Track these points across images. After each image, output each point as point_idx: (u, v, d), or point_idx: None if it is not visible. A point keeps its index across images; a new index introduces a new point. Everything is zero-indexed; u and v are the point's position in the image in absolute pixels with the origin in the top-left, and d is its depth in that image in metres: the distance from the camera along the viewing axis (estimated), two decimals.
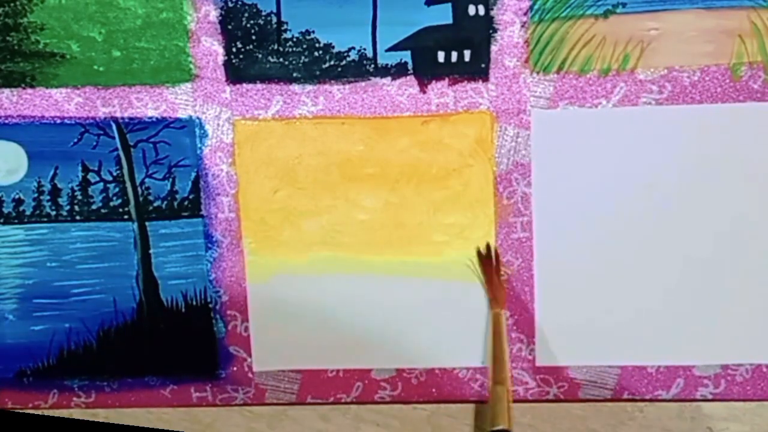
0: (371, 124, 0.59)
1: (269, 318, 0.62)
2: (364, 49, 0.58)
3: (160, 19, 0.59)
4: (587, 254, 0.60)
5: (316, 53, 0.58)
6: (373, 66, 0.58)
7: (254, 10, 0.58)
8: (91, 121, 0.61)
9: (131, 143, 0.61)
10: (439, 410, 0.63)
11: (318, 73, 0.59)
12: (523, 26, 0.57)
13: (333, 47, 0.58)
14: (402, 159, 0.60)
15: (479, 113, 0.59)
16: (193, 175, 0.61)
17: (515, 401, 0.62)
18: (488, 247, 0.60)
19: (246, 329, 0.63)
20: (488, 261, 0.60)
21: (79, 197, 0.62)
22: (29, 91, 0.60)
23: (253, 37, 0.59)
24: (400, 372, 0.63)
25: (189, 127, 0.60)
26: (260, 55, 0.59)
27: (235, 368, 0.63)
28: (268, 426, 0.64)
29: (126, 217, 0.62)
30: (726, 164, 0.58)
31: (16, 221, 0.62)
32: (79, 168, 0.61)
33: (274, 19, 0.58)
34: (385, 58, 0.58)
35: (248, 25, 0.58)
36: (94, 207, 0.62)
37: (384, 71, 0.58)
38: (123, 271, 0.62)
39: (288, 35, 0.58)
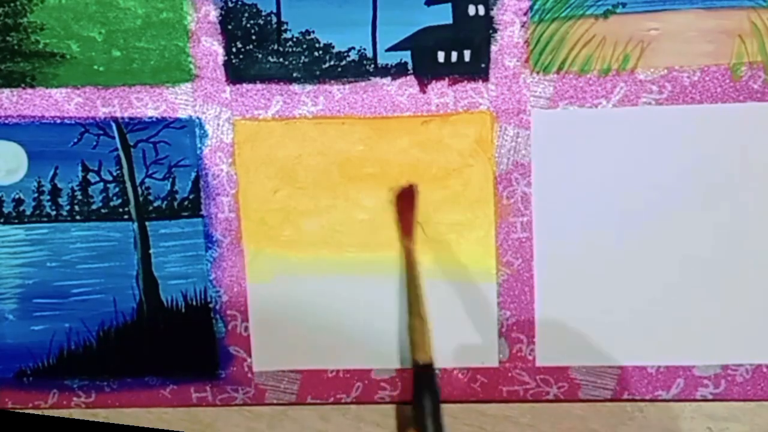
0: (371, 124, 0.59)
1: (269, 318, 0.62)
2: (364, 49, 0.58)
3: (160, 19, 0.59)
4: (587, 254, 0.60)
5: (316, 53, 0.58)
6: (373, 66, 0.58)
7: (254, 10, 0.58)
8: (91, 121, 0.61)
9: (131, 143, 0.61)
10: None
11: (318, 73, 0.59)
12: (523, 26, 0.57)
13: (333, 47, 0.58)
14: (402, 159, 0.60)
15: (479, 113, 0.59)
16: (193, 175, 0.61)
17: (515, 401, 0.62)
18: (408, 185, 0.59)
19: (246, 329, 0.63)
20: (407, 195, 0.59)
21: (79, 197, 0.62)
22: (29, 91, 0.60)
23: (253, 37, 0.59)
24: (400, 372, 0.63)
25: (189, 127, 0.60)
26: (260, 55, 0.59)
27: (235, 368, 0.63)
28: (268, 426, 0.64)
29: (126, 217, 0.62)
30: (726, 164, 0.58)
31: (16, 221, 0.62)
32: (79, 168, 0.61)
33: (274, 19, 0.58)
34: (385, 58, 0.58)
35: (248, 25, 0.58)
36: (94, 207, 0.62)
37: (384, 71, 0.58)
38: (123, 271, 0.62)
39: (288, 35, 0.58)
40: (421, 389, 0.56)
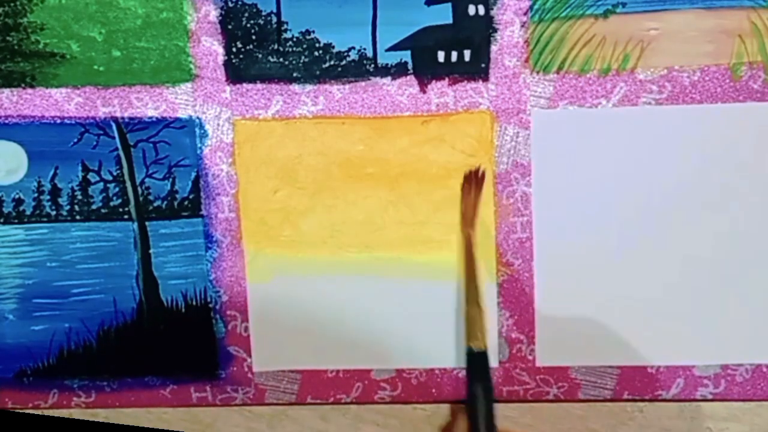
0: (371, 124, 0.59)
1: (269, 318, 0.62)
2: (364, 49, 0.58)
3: (160, 19, 0.59)
4: (587, 254, 0.60)
5: (316, 53, 0.58)
6: (373, 66, 0.58)
7: (254, 10, 0.58)
8: (91, 121, 0.61)
9: (131, 143, 0.61)
10: (439, 410, 0.63)
11: (318, 73, 0.59)
12: (523, 26, 0.57)
13: (333, 47, 0.58)
14: (402, 159, 0.60)
15: (479, 113, 0.59)
16: (193, 175, 0.61)
17: (515, 401, 0.62)
18: (478, 168, 0.59)
19: (246, 329, 0.63)
20: (474, 180, 0.59)
21: (79, 197, 0.62)
22: (29, 91, 0.60)
23: (253, 37, 0.59)
24: (400, 372, 0.63)
25: (189, 127, 0.60)
26: (260, 55, 0.59)
27: (235, 368, 0.63)
28: (268, 426, 0.64)
29: (126, 217, 0.62)
30: (726, 164, 0.58)
31: (16, 221, 0.62)
32: (79, 168, 0.61)
33: (274, 19, 0.58)
34: (385, 58, 0.58)
35: (248, 25, 0.58)
36: (94, 207, 0.62)
37: (384, 71, 0.58)
38: (123, 271, 0.62)
39: (288, 35, 0.58)
40: (474, 377, 0.56)
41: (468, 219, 0.59)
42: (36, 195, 0.62)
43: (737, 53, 0.56)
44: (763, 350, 0.60)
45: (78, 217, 0.62)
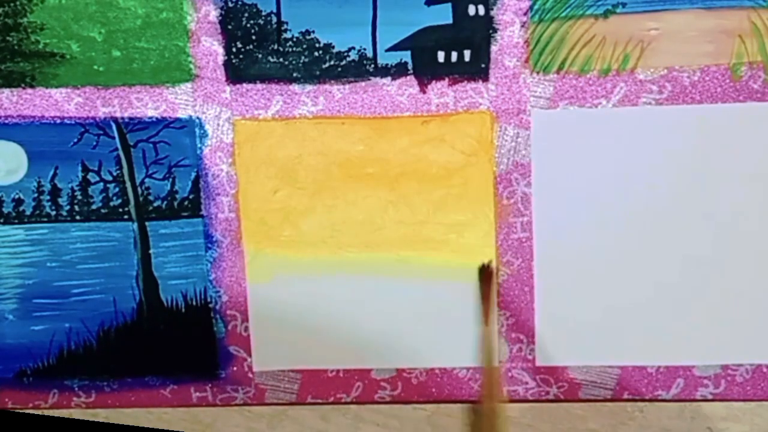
0: (371, 124, 0.59)
1: (269, 318, 0.62)
2: (364, 49, 0.58)
3: (160, 19, 0.59)
4: (587, 254, 0.60)
5: (316, 53, 0.58)
6: (373, 66, 0.58)
7: (254, 10, 0.58)
8: (91, 121, 0.61)
9: (131, 143, 0.61)
10: (439, 410, 0.63)
11: (318, 73, 0.59)
12: (523, 26, 0.57)
13: (333, 47, 0.58)
14: (402, 159, 0.60)
15: (479, 113, 0.59)
16: (193, 175, 0.61)
17: (515, 401, 0.62)
18: (489, 265, 0.60)
19: (246, 329, 0.63)
20: (488, 278, 0.60)
21: (79, 197, 0.62)
22: (29, 91, 0.60)
23: (253, 37, 0.59)
24: (400, 372, 0.63)
25: (189, 127, 0.60)
26: (260, 55, 0.59)
27: (235, 368, 0.63)
28: (268, 426, 0.64)
29: (126, 217, 0.62)
30: (726, 164, 0.58)
31: (16, 221, 0.62)
32: (79, 168, 0.61)
33: (274, 19, 0.58)
34: (385, 58, 0.58)
35: (248, 25, 0.58)
36: (94, 207, 0.62)
37: (384, 71, 0.58)
38: (123, 271, 0.62)
39: (288, 35, 0.58)
40: None
41: (485, 316, 0.60)
42: (36, 195, 0.62)
43: (737, 53, 0.56)
44: (763, 350, 0.60)
45: (78, 217, 0.62)
